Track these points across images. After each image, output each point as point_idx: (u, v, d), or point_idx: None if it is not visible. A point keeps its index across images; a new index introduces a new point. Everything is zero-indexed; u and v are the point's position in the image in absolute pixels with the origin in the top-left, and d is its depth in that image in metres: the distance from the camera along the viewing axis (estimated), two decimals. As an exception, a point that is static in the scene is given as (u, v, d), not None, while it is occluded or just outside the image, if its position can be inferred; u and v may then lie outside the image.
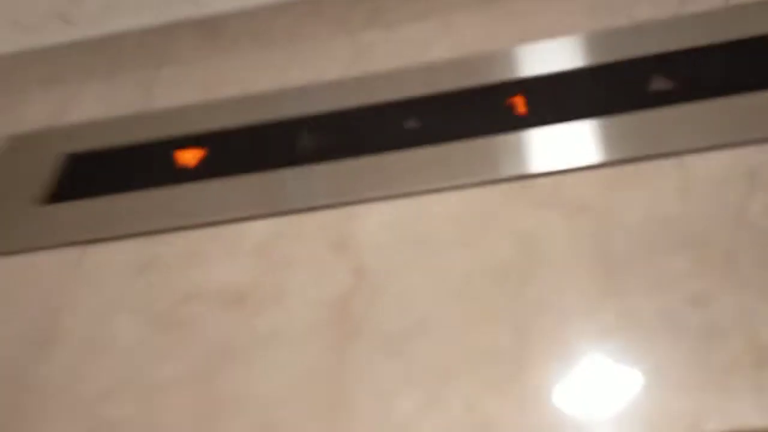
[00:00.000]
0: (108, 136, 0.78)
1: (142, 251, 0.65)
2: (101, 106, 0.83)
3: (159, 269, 0.63)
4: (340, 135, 0.70)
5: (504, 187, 0.61)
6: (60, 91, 0.87)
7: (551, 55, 0.71)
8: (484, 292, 0.54)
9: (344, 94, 0.75)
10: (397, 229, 0.60)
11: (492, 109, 0.68)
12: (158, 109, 0.80)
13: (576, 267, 0.54)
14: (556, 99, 0.67)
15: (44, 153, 0.78)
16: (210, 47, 0.88)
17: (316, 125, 0.72)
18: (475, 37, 0.77)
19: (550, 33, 0.74)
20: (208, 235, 0.65)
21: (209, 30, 0.90)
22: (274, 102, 0.76)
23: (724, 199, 0.55)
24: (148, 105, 0.81)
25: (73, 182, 0.74)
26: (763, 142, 0.58)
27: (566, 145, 0.62)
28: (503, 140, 0.64)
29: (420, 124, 0.68)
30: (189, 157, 0.73)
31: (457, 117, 0.68)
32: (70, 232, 0.68)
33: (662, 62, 0.67)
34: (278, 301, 0.58)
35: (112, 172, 0.74)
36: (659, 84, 0.65)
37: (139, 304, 0.60)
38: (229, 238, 0.64)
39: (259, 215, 0.65)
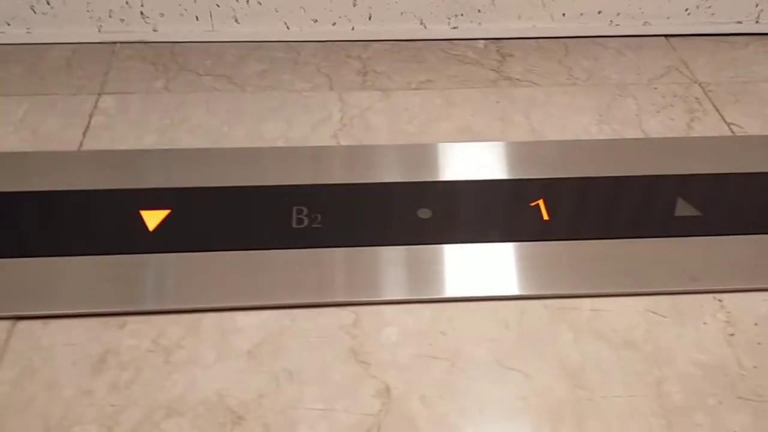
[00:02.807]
0: (35, 173, 0.63)
1: (97, 339, 0.50)
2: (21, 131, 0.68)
3: (123, 368, 0.49)
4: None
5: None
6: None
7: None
8: None
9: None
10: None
11: None
12: (101, 149, 0.66)
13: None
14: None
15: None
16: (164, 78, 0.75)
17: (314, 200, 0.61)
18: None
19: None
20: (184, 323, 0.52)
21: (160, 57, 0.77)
22: (255, 160, 0.65)
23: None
24: (90, 143, 0.67)
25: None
26: None
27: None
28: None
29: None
30: (151, 217, 0.60)
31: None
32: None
33: None
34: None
35: (49, 223, 0.59)
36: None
37: (101, 416, 0.46)
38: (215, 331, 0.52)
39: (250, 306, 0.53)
